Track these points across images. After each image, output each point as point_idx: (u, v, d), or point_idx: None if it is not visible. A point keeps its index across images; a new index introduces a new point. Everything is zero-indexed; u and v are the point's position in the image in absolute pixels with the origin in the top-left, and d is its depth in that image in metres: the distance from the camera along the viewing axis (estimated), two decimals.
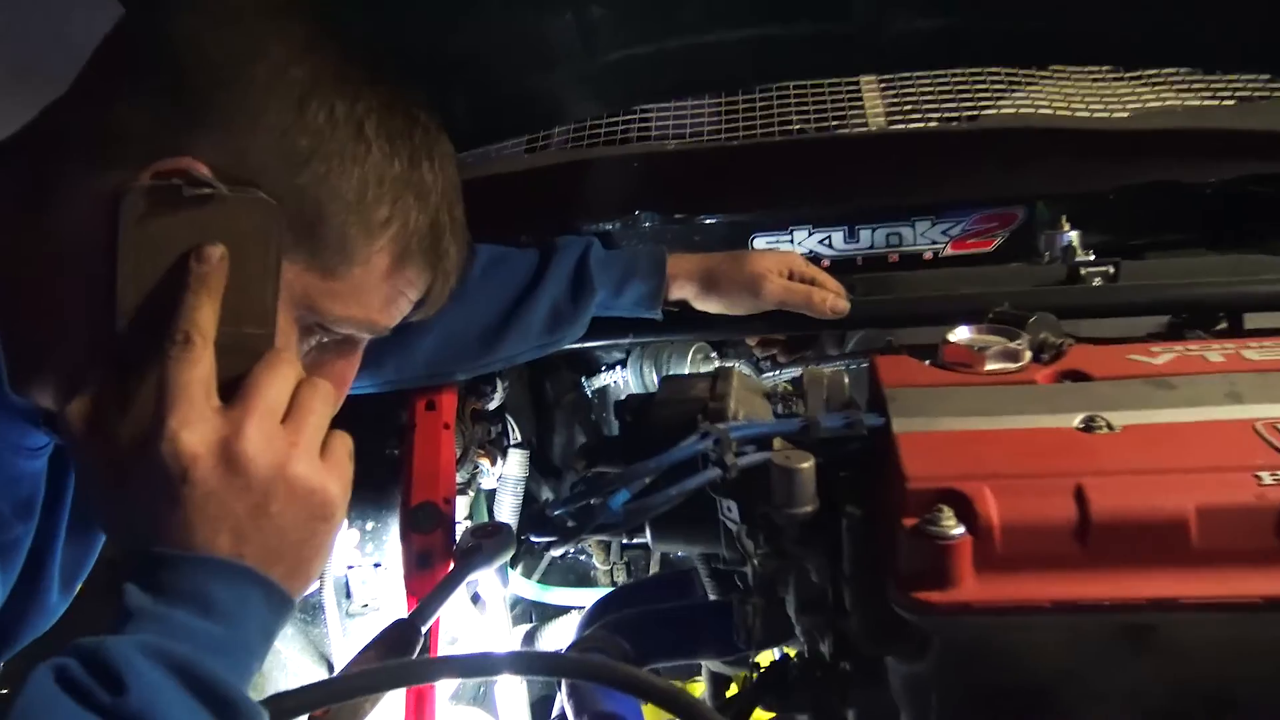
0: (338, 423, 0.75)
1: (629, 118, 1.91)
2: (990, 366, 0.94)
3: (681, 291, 1.31)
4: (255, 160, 0.73)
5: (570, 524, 0.87)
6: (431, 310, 0.88)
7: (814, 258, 1.67)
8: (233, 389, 0.70)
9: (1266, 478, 0.73)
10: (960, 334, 0.99)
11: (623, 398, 1.08)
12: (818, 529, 0.84)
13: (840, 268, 1.66)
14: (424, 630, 0.96)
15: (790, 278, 1.31)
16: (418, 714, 1.01)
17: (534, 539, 0.89)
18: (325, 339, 0.83)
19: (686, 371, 1.59)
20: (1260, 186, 1.58)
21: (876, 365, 0.96)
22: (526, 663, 0.83)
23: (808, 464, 0.83)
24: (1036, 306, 1.06)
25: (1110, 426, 0.81)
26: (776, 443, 0.88)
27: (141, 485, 0.66)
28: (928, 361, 0.98)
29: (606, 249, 1.55)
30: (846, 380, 1.02)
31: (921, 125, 1.80)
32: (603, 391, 1.69)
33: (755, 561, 0.86)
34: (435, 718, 1.03)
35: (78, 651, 0.60)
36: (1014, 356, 0.95)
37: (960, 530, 0.74)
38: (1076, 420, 0.83)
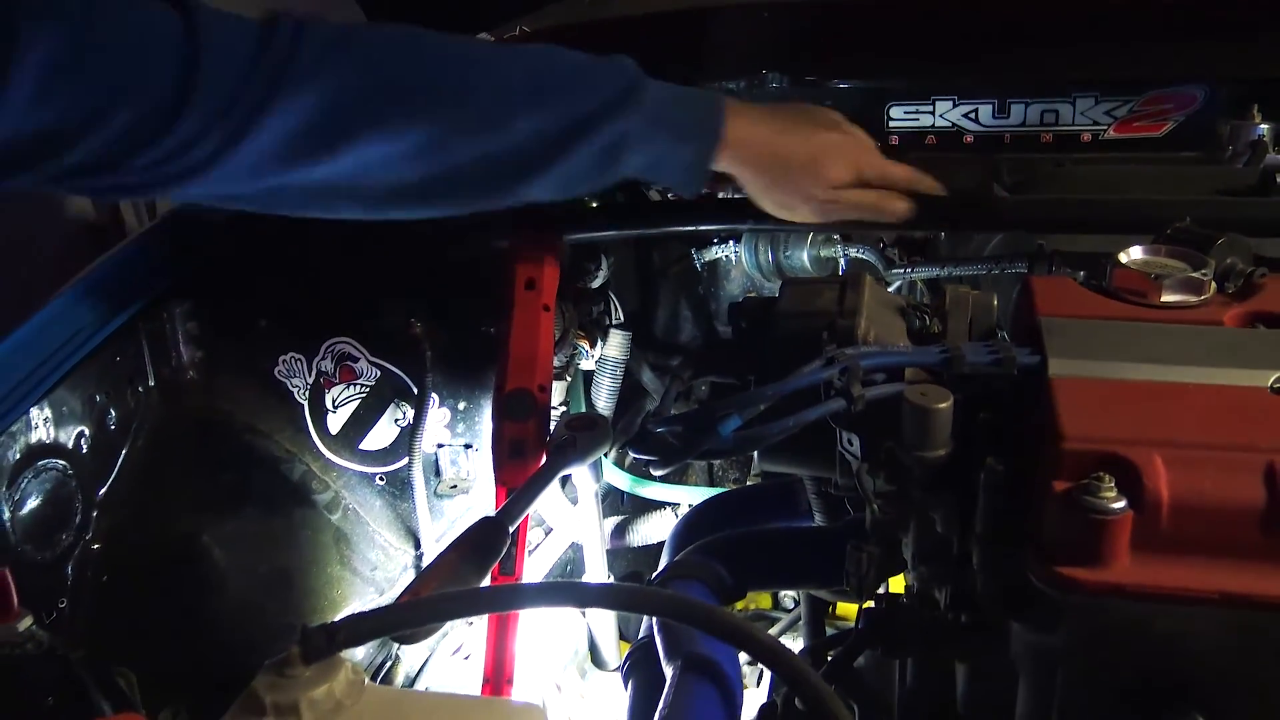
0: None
1: None
2: (1168, 298, 0.81)
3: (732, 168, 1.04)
4: None
5: (676, 445, 0.80)
6: None
7: (957, 132, 1.52)
8: None
9: None
10: (1134, 254, 0.85)
11: (737, 296, 0.98)
12: (950, 476, 0.74)
13: (985, 145, 1.51)
14: (512, 530, 0.91)
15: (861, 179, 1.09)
16: (498, 635, 0.98)
17: (636, 455, 0.82)
18: None
19: (806, 254, 1.47)
20: None
21: (1032, 288, 0.84)
22: (616, 597, 0.78)
23: (945, 403, 0.73)
24: (1224, 220, 0.92)
25: None
26: (910, 373, 0.78)
27: None
28: (1093, 283, 0.85)
29: None
30: (996, 303, 0.90)
31: None
32: (713, 265, 1.58)
33: (875, 505, 0.77)
34: (515, 637, 0.99)
35: None
36: (1197, 288, 0.81)
37: (1122, 504, 0.64)
38: (1272, 379, 0.71)
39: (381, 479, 1.24)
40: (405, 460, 1.21)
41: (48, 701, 0.70)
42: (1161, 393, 0.71)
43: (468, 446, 1.23)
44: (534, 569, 1.28)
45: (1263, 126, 1.28)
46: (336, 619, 0.67)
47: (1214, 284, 0.83)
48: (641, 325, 1.56)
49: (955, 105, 1.52)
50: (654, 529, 1.48)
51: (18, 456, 0.96)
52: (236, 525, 1.15)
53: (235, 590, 1.12)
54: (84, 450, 1.04)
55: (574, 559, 1.36)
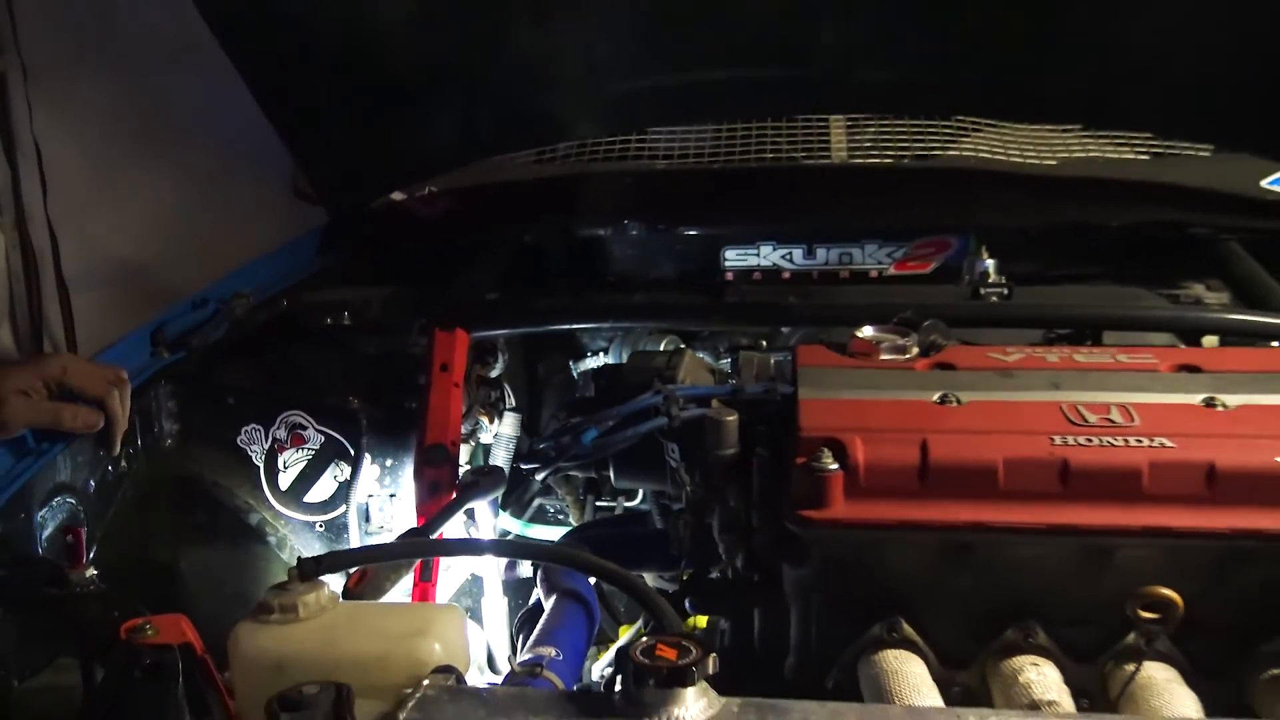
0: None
1: (625, 137, 2.18)
2: (884, 356, 1.22)
3: None
4: None
5: (552, 455, 1.14)
6: None
7: (777, 270, 1.95)
8: None
9: (1057, 440, 1.01)
10: (866, 331, 1.26)
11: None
12: (738, 468, 1.11)
13: (798, 279, 1.95)
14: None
15: (49, 390, 1.21)
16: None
17: (524, 466, 1.16)
18: None
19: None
20: (1164, 232, 1.86)
21: (797, 352, 1.23)
22: (510, 547, 1.10)
23: (733, 418, 1.11)
24: (936, 313, 1.35)
25: (958, 401, 1.09)
26: (713, 403, 1.16)
27: None
28: (839, 348, 1.25)
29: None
30: (772, 361, 1.29)
31: (877, 161, 2.07)
32: (588, 374, 1.95)
33: (689, 489, 1.13)
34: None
35: None
36: (902, 350, 1.22)
37: (835, 467, 1.01)
38: (935, 396, 1.11)
39: (321, 525, 1.53)
40: (342, 509, 1.50)
41: (105, 626, 0.97)
42: (866, 404, 1.10)
43: (392, 496, 1.53)
44: (442, 587, 1.56)
45: (988, 261, 1.74)
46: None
47: (917, 349, 1.24)
48: (527, 421, 1.91)
49: (775, 249, 1.96)
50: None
51: (48, 487, 1.23)
52: (206, 555, 1.43)
53: (205, 606, 1.37)
54: (90, 491, 1.31)
55: (473, 584, 1.63)
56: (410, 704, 0.82)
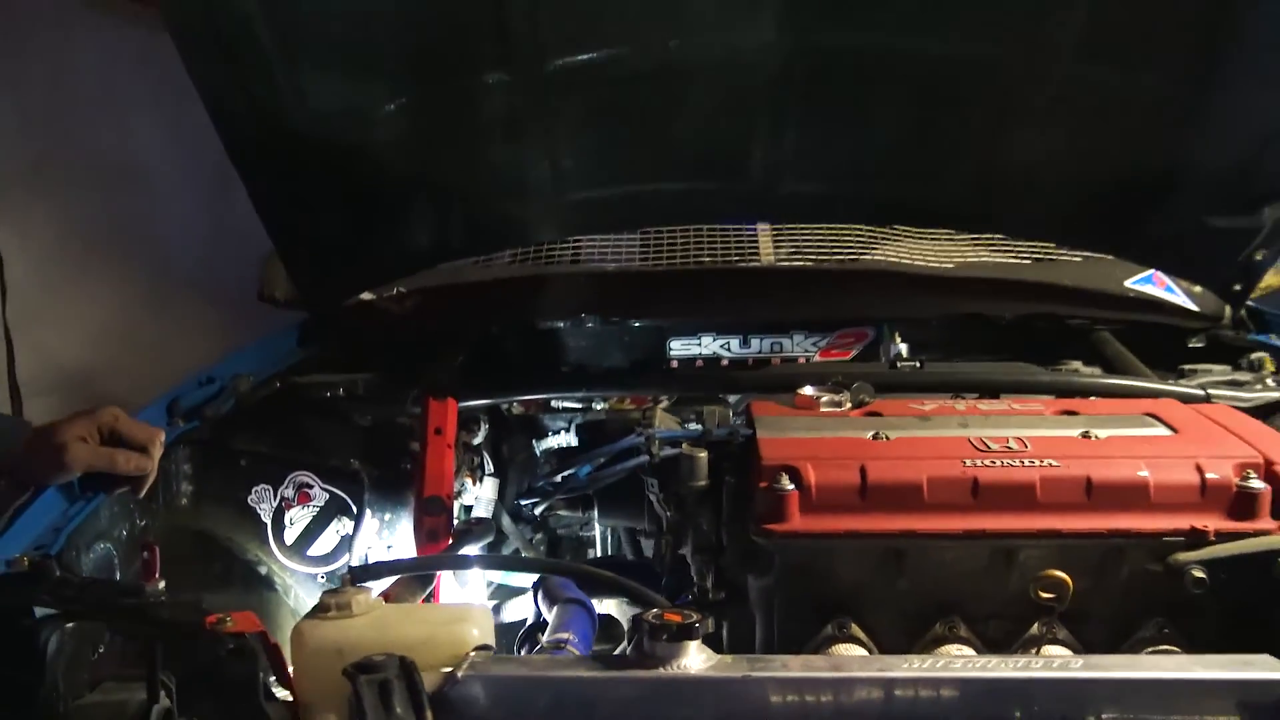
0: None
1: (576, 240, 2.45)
2: (823, 408, 1.46)
3: None
4: None
5: (550, 489, 1.34)
6: None
7: (717, 358, 2.20)
8: None
9: (968, 463, 1.25)
10: (807, 389, 1.51)
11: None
12: (708, 497, 1.33)
13: (735, 365, 2.20)
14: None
15: (101, 436, 1.36)
16: None
17: (523, 502, 1.35)
18: None
19: None
20: (1046, 322, 2.17)
21: (751, 405, 1.47)
22: (517, 563, 1.29)
23: (703, 454, 1.33)
24: (861, 378, 1.60)
25: (887, 437, 1.33)
26: (684, 445, 1.38)
27: None
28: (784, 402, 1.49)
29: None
30: (731, 414, 1.52)
31: (802, 264, 2.37)
32: (549, 452, 2.15)
33: (667, 514, 1.34)
34: None
35: None
36: (838, 403, 1.47)
37: (791, 488, 1.24)
38: (869, 434, 1.35)
39: (323, 578, 1.68)
40: (343, 561, 1.66)
41: (184, 625, 1.11)
42: (813, 440, 1.33)
43: (390, 548, 1.68)
44: None
45: (901, 346, 2.02)
46: None
47: (849, 403, 1.49)
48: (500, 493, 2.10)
49: (715, 339, 2.22)
50: (518, 608, 1.92)
51: (94, 533, 1.38)
52: (225, 599, 1.56)
53: None
54: (123, 538, 1.46)
55: None
56: (465, 665, 1.00)
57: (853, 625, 1.26)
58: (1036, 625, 1.25)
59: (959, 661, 1.00)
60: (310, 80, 1.67)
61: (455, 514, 1.79)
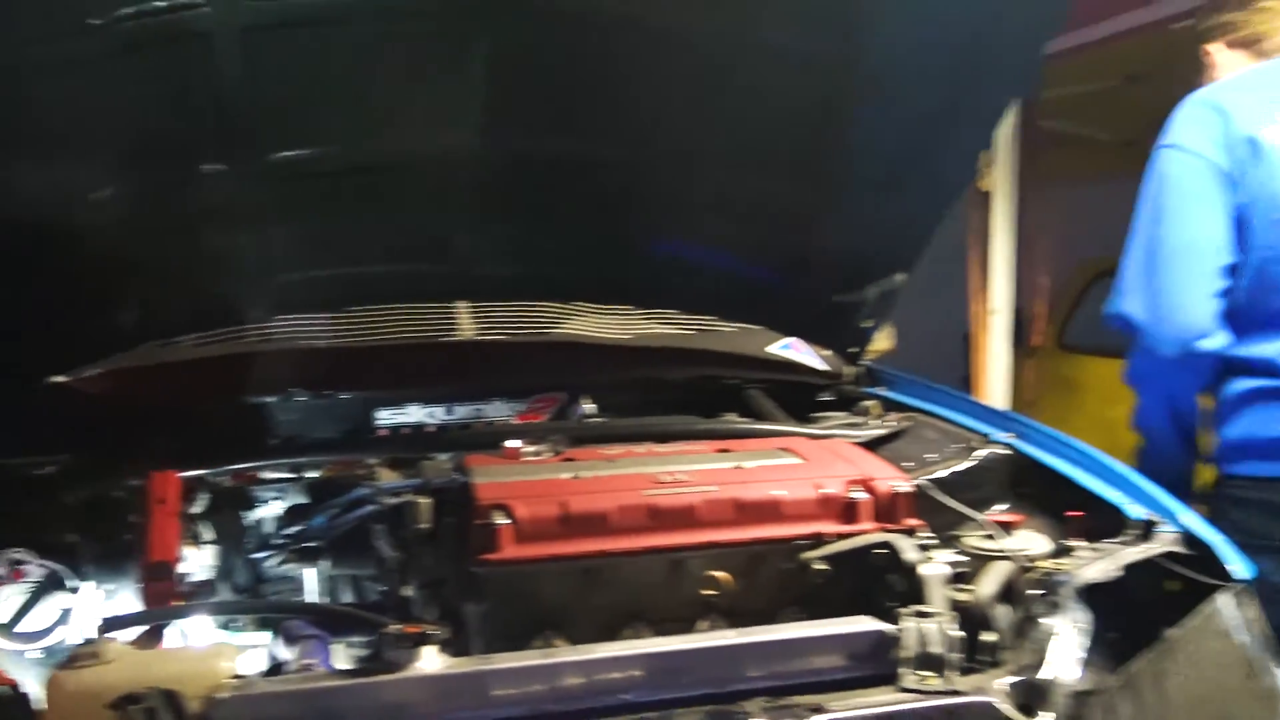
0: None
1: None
2: (525, 457, 1.70)
3: None
4: None
5: (288, 542, 1.47)
6: None
7: (421, 425, 2.39)
8: None
9: (646, 493, 1.53)
10: (512, 442, 1.75)
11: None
12: (431, 538, 1.52)
13: (441, 430, 2.39)
14: None
15: None
16: None
17: (256, 556, 1.47)
18: None
19: None
20: (708, 383, 2.54)
21: (465, 459, 1.69)
22: (248, 606, 1.41)
23: (426, 500, 1.52)
24: (555, 433, 1.86)
25: (581, 476, 1.59)
26: (410, 494, 1.56)
27: None
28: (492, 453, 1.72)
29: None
30: (449, 466, 1.72)
31: (499, 337, 2.62)
32: (292, 508, 2.20)
33: (395, 558, 1.51)
34: None
35: None
36: (539, 453, 1.72)
37: (505, 520, 1.46)
38: (566, 475, 1.60)
39: (37, 653, 1.67)
40: (59, 636, 1.66)
41: None
42: (520, 482, 1.56)
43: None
44: None
45: (588, 406, 2.30)
46: None
47: (549, 452, 1.74)
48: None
49: (421, 408, 2.40)
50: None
51: None
52: None
53: None
54: None
55: None
56: (228, 691, 1.13)
57: (557, 640, 1.49)
58: (704, 621, 1.54)
59: (643, 643, 1.26)
60: (18, 163, 1.73)
61: (179, 580, 1.86)
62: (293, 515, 1.70)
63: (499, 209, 2.16)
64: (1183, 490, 2.06)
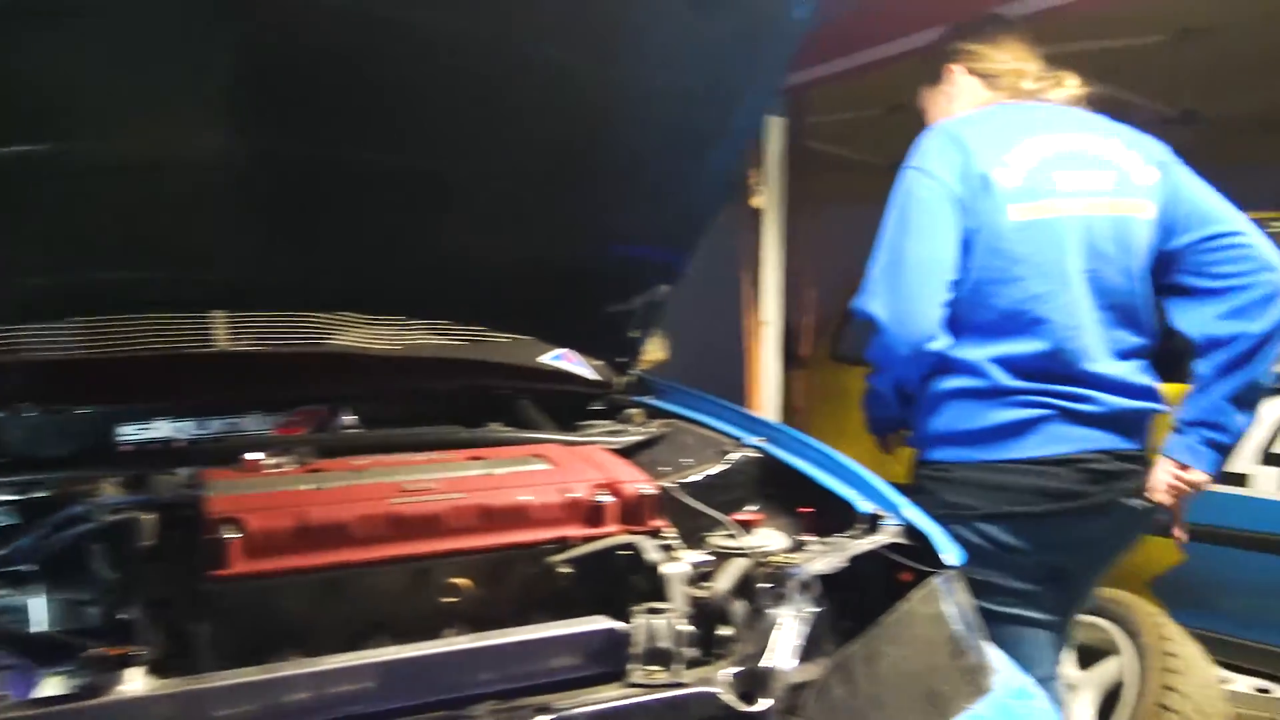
0: None
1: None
2: (266, 470, 1.64)
3: None
4: None
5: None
6: None
7: (171, 439, 2.26)
8: None
9: (394, 501, 1.51)
10: (252, 455, 1.68)
11: None
12: (156, 555, 1.44)
13: (195, 444, 2.28)
14: None
15: None
16: None
17: None
18: None
19: None
20: (478, 393, 2.52)
21: (202, 473, 1.61)
22: None
23: (151, 516, 1.44)
24: (304, 444, 1.80)
25: (323, 486, 1.55)
26: (132, 510, 1.48)
27: None
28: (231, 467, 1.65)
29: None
30: (183, 480, 1.64)
31: (257, 348, 2.52)
32: None
33: (115, 579, 1.42)
34: None
35: None
36: (280, 465, 1.66)
37: (236, 535, 1.40)
38: (308, 486, 1.55)
39: None
40: None
41: None
42: (255, 494, 1.51)
43: None
44: None
45: (350, 418, 2.25)
46: None
47: (292, 464, 1.68)
48: None
49: (170, 423, 2.27)
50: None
51: None
52: None
53: None
54: None
55: None
56: None
57: (296, 656, 1.44)
58: (450, 630, 1.52)
59: (371, 653, 1.23)
60: None
61: None
62: (3, 536, 1.57)
63: (262, 214, 2.08)
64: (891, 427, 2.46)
